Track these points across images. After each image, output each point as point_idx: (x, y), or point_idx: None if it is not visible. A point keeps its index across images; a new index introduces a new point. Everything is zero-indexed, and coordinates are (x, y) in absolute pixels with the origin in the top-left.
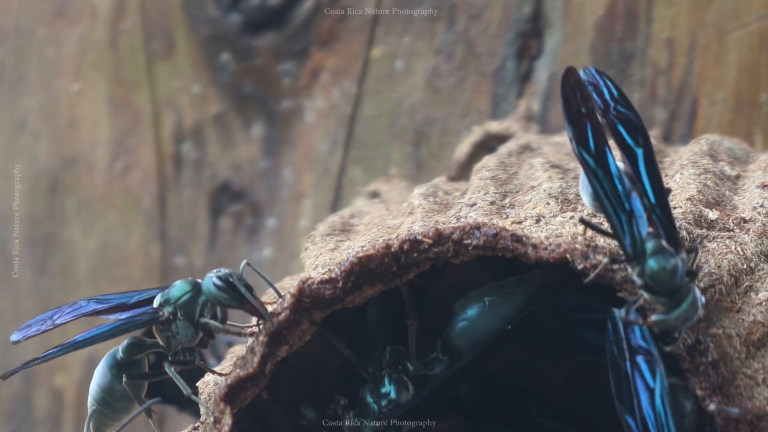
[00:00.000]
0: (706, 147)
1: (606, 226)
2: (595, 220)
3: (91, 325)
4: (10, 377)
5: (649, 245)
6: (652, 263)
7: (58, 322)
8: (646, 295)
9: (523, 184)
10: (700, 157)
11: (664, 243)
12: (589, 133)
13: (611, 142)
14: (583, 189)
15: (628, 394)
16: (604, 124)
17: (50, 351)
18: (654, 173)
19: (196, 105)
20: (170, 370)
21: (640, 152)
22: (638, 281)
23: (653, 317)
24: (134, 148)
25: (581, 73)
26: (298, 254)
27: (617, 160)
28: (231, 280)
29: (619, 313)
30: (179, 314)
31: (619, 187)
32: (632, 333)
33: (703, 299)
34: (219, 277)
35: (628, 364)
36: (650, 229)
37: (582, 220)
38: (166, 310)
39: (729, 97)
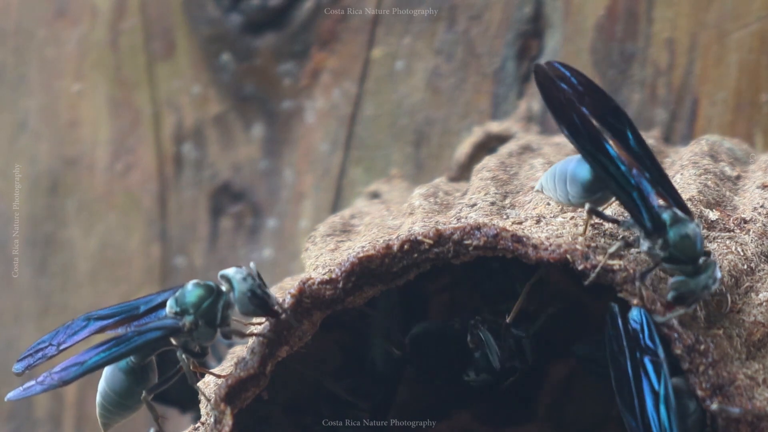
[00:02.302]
0: (707, 147)
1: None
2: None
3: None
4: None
5: (666, 216)
6: (673, 233)
7: (63, 346)
8: (668, 266)
9: (523, 185)
10: (701, 158)
11: (678, 212)
12: (578, 122)
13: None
14: (571, 182)
15: (628, 392)
16: (585, 112)
17: (70, 370)
18: (645, 149)
19: (196, 105)
20: (182, 358)
21: (628, 132)
22: (661, 254)
23: (673, 278)
24: (134, 148)
25: (546, 70)
26: (299, 255)
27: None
28: (258, 293)
29: (617, 307)
30: (200, 322)
31: (622, 166)
32: (641, 333)
33: (720, 274)
34: (252, 291)
35: (628, 360)
36: (661, 202)
37: (590, 210)
38: (187, 320)
39: (729, 98)
